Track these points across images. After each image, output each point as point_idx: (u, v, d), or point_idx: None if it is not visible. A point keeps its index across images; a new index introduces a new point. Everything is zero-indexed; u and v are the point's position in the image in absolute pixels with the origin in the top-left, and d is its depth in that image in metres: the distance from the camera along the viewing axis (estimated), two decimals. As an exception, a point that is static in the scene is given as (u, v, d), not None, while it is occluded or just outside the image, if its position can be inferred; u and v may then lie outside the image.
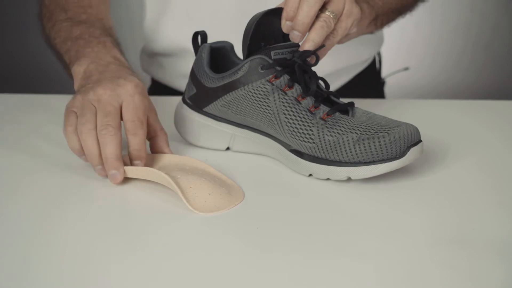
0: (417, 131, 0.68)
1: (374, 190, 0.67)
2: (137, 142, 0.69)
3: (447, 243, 0.56)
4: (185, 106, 0.78)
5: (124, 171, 0.68)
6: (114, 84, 0.70)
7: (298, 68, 0.70)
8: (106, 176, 0.69)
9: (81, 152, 0.70)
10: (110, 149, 0.67)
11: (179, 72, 1.05)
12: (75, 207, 0.64)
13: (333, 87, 1.06)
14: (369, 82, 1.14)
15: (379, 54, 1.18)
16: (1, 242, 0.58)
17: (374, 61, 1.16)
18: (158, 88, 1.13)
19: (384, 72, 1.24)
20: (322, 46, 0.71)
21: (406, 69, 1.17)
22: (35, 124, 0.89)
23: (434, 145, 0.77)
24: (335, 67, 1.04)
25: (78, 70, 0.76)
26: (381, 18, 0.88)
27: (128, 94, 0.70)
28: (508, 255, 0.55)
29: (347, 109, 0.71)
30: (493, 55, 3.00)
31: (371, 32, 0.91)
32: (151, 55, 1.11)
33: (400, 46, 2.73)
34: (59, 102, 0.92)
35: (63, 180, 0.70)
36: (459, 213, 0.62)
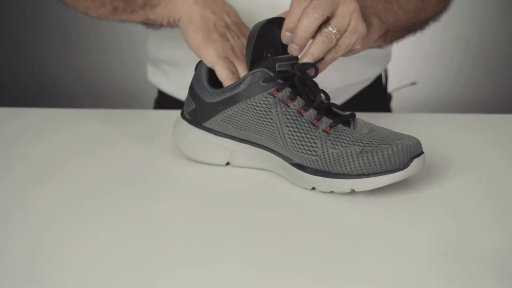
0: (418, 143, 0.68)
1: (378, 202, 0.67)
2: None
3: (450, 258, 0.56)
4: (184, 122, 0.78)
5: None
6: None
7: (297, 81, 0.70)
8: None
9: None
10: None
11: (185, 82, 1.04)
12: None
13: (338, 102, 1.06)
14: (374, 96, 1.14)
15: (385, 70, 1.18)
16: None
17: (380, 76, 1.16)
18: (165, 100, 1.13)
19: (390, 87, 1.23)
20: (321, 59, 0.71)
21: (414, 84, 1.16)
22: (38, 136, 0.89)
23: (437, 157, 0.77)
24: (341, 84, 1.04)
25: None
26: (390, 34, 0.87)
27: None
28: (507, 270, 0.54)
29: (348, 120, 0.71)
30: (493, 68, 3.01)
31: (380, 47, 0.90)
32: (155, 63, 1.11)
33: (399, 59, 2.73)
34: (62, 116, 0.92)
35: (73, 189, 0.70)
36: (460, 226, 0.62)
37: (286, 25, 0.70)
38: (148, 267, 0.55)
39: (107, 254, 0.58)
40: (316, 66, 0.70)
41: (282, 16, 0.72)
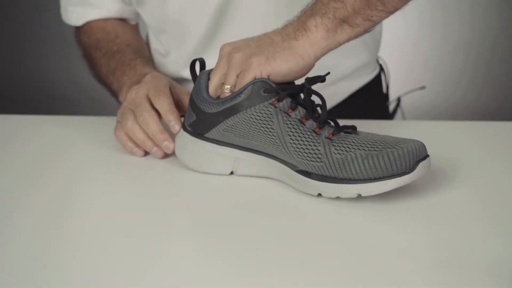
0: (423, 146, 0.68)
1: (384, 208, 0.66)
2: (162, 103, 0.79)
3: (453, 265, 0.56)
4: (186, 134, 0.78)
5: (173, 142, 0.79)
6: (139, 83, 0.84)
7: (306, 92, 0.70)
8: (163, 155, 0.80)
9: (134, 144, 0.81)
10: (153, 126, 0.79)
11: None
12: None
13: (334, 102, 1.06)
14: (373, 103, 1.13)
15: (386, 76, 1.16)
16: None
17: (378, 79, 1.15)
18: None
19: (395, 93, 1.23)
20: (328, 73, 0.71)
21: (423, 88, 1.16)
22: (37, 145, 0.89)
23: (442, 164, 0.77)
24: (330, 79, 1.00)
25: (123, 99, 0.90)
26: (354, 17, 0.72)
27: (146, 81, 0.83)
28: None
29: (349, 132, 0.70)
30: (493, 74, 3.00)
31: (358, 36, 0.72)
32: None
33: (399, 66, 2.73)
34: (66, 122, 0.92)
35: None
36: (465, 233, 0.62)
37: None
38: (147, 274, 0.55)
39: (105, 261, 0.57)
40: (324, 77, 0.71)
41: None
